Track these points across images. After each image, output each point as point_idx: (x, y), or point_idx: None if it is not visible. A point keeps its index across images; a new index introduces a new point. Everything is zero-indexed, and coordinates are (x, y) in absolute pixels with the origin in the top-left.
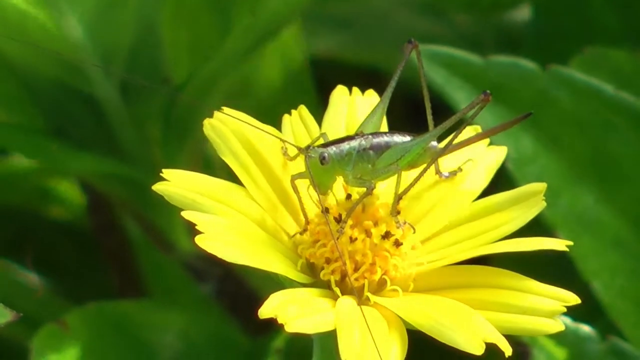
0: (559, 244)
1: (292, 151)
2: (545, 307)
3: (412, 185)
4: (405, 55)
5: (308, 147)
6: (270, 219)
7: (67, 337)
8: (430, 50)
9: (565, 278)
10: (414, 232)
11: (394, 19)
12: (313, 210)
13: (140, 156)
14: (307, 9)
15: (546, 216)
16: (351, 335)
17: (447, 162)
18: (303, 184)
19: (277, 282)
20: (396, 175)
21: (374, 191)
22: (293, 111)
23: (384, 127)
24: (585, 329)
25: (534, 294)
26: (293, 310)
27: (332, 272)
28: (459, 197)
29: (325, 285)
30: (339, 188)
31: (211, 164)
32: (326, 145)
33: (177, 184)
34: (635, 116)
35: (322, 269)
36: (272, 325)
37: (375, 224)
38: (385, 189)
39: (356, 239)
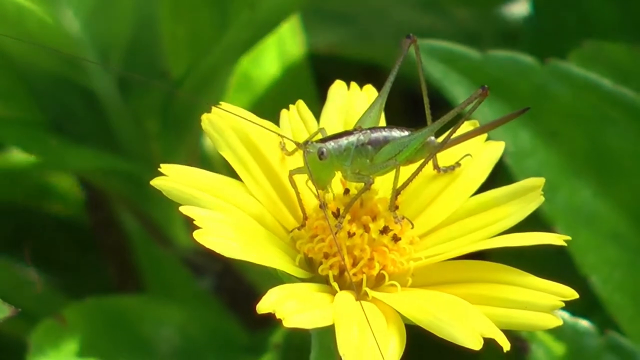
0: (557, 239)
1: (290, 146)
2: (543, 302)
3: (410, 180)
4: (404, 50)
5: (306, 142)
6: (269, 214)
7: (65, 332)
8: (429, 45)
9: (563, 272)
10: (412, 228)
11: (392, 14)
12: (311, 205)
13: (138, 151)
14: (306, 4)
15: (544, 210)
16: (349, 330)
17: (445, 157)
18: (301, 179)
19: (275, 277)
20: (394, 170)
21: (372, 186)
22: (291, 106)
23: (382, 121)
24: (584, 323)
25: (532, 289)
26: (291, 306)
27: (331, 267)
28: (457, 192)
29: (324, 280)
30: (337, 183)
31: (209, 159)
32: (324, 140)
33: (175, 179)
34: (634, 110)
35: (321, 264)
36: (270, 320)
37: (374, 218)
38: (383, 184)
39: (354, 233)
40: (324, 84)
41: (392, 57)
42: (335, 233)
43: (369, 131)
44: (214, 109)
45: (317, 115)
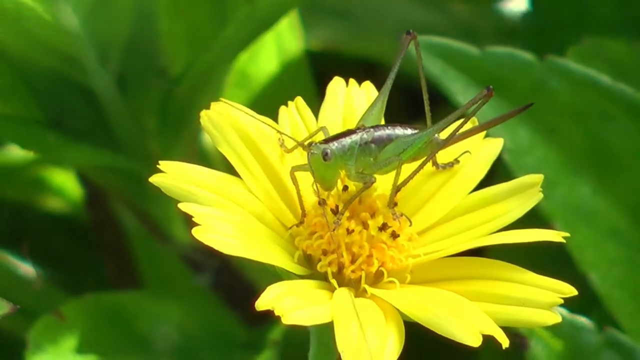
0: (555, 236)
1: (289, 143)
2: (542, 299)
3: (411, 177)
4: (404, 47)
5: (310, 143)
6: (267, 210)
7: (63, 328)
8: (427, 41)
9: (562, 269)
10: (411, 225)
11: (391, 10)
12: (310, 202)
13: (137, 148)
14: (304, 0)
15: (543, 207)
16: (348, 327)
17: (443, 154)
18: (302, 176)
19: (274, 274)
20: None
21: None
22: (290, 103)
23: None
24: (582, 320)
25: (530, 286)
26: (290, 303)
27: (329, 263)
28: (456, 189)
29: (322, 277)
30: None
31: (208, 156)
32: (328, 140)
33: (173, 176)
34: (633, 107)
35: (319, 260)
36: (269, 317)
37: (372, 215)
38: (382, 181)
39: (353, 230)
40: (322, 80)
41: (391, 54)
42: (334, 230)
43: (372, 130)
44: (212, 105)
45: (315, 111)
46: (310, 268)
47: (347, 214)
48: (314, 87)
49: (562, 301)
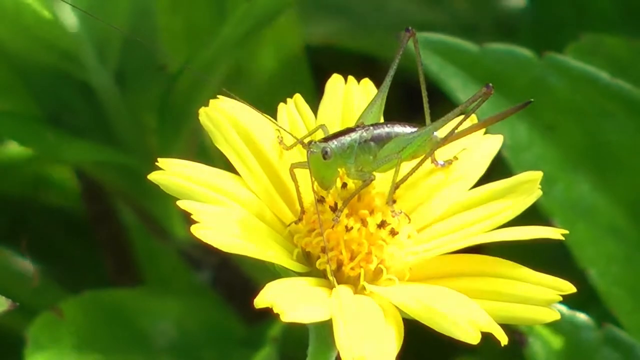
0: (554, 233)
1: (288, 140)
2: (541, 296)
3: (409, 174)
4: (403, 43)
5: (310, 142)
6: (266, 208)
7: (62, 325)
8: (426, 37)
9: (561, 266)
10: (410, 222)
11: (390, 6)
12: (309, 200)
13: (135, 144)
14: None
15: (542, 204)
16: (347, 324)
17: (442, 151)
18: (301, 173)
19: (273, 271)
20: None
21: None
22: (289, 100)
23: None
24: (581, 317)
25: (529, 283)
26: (289, 300)
27: (328, 261)
28: (455, 185)
29: (321, 275)
30: None
31: (207, 153)
32: (327, 139)
33: (172, 173)
34: (632, 103)
35: (318, 258)
36: (268, 314)
37: (371, 212)
38: (381, 178)
39: (352, 228)
40: (321, 76)
41: (389, 49)
42: (333, 227)
43: (371, 128)
44: (211, 102)
45: (314, 107)
46: (309, 265)
47: (346, 211)
48: (314, 83)
49: (561, 299)
